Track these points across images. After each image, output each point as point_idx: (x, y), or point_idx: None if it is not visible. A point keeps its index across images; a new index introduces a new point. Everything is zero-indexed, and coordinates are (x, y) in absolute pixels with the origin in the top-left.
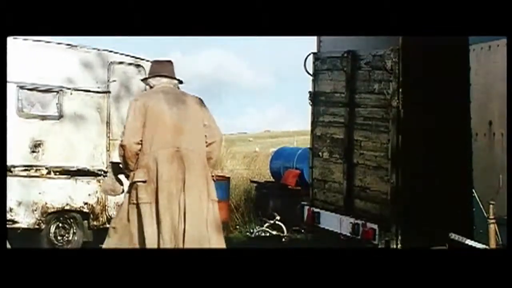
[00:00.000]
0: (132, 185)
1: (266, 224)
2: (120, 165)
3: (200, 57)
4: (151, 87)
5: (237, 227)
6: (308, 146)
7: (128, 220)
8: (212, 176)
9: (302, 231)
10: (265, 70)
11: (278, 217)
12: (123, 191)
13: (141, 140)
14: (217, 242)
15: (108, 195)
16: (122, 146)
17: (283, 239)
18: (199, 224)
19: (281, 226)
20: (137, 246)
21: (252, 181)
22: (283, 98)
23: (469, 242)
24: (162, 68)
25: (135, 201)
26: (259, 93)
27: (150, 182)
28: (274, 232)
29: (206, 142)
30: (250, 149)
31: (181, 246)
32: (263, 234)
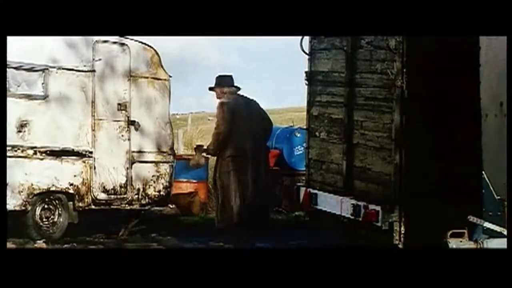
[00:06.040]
0: (225, 158)
1: None
2: (203, 147)
3: (167, 37)
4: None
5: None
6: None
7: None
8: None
9: (284, 211)
10: (232, 51)
11: None
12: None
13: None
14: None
15: (195, 168)
16: (219, 133)
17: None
18: (261, 178)
19: None
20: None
21: None
22: (248, 78)
23: (487, 224)
24: (225, 81)
25: (229, 170)
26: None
27: (239, 156)
28: None
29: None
30: (210, 128)
31: (250, 195)
32: None
